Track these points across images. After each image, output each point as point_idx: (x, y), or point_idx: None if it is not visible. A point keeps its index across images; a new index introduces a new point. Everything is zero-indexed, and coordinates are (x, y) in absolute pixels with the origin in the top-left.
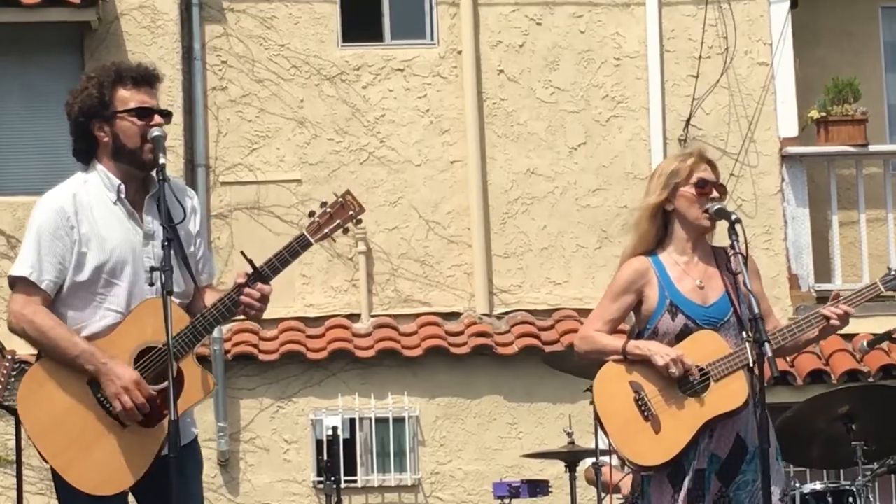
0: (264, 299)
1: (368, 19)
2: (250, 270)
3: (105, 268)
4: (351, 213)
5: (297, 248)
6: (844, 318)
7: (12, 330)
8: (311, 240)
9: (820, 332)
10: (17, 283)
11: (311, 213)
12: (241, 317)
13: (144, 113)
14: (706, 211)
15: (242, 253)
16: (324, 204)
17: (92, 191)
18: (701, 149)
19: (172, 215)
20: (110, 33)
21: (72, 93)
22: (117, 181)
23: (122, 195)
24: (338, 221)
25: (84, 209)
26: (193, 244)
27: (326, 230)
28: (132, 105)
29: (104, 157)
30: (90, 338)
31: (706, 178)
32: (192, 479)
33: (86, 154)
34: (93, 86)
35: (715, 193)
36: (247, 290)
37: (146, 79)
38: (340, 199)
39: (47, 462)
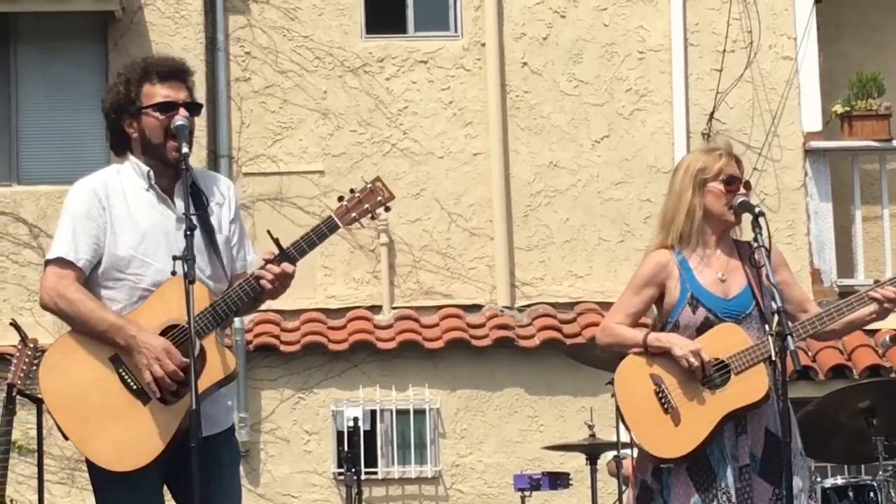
0: (286, 277)
1: (392, 11)
2: (276, 251)
3: (139, 249)
4: (380, 198)
5: (324, 231)
6: (893, 301)
7: (44, 305)
8: (339, 223)
9: (877, 313)
10: (52, 263)
11: (341, 198)
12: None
13: (169, 108)
14: (731, 207)
15: (269, 232)
16: (353, 189)
17: (125, 179)
18: (728, 144)
19: (197, 204)
20: (134, 23)
21: (106, 89)
22: (146, 167)
23: (153, 181)
24: (366, 206)
25: (116, 193)
26: (228, 231)
27: (354, 214)
28: (156, 100)
29: (136, 151)
30: None
31: (735, 175)
32: (229, 467)
33: (120, 148)
34: (121, 82)
35: (742, 190)
36: (268, 265)
37: (173, 73)
38: (370, 185)
39: (66, 437)
